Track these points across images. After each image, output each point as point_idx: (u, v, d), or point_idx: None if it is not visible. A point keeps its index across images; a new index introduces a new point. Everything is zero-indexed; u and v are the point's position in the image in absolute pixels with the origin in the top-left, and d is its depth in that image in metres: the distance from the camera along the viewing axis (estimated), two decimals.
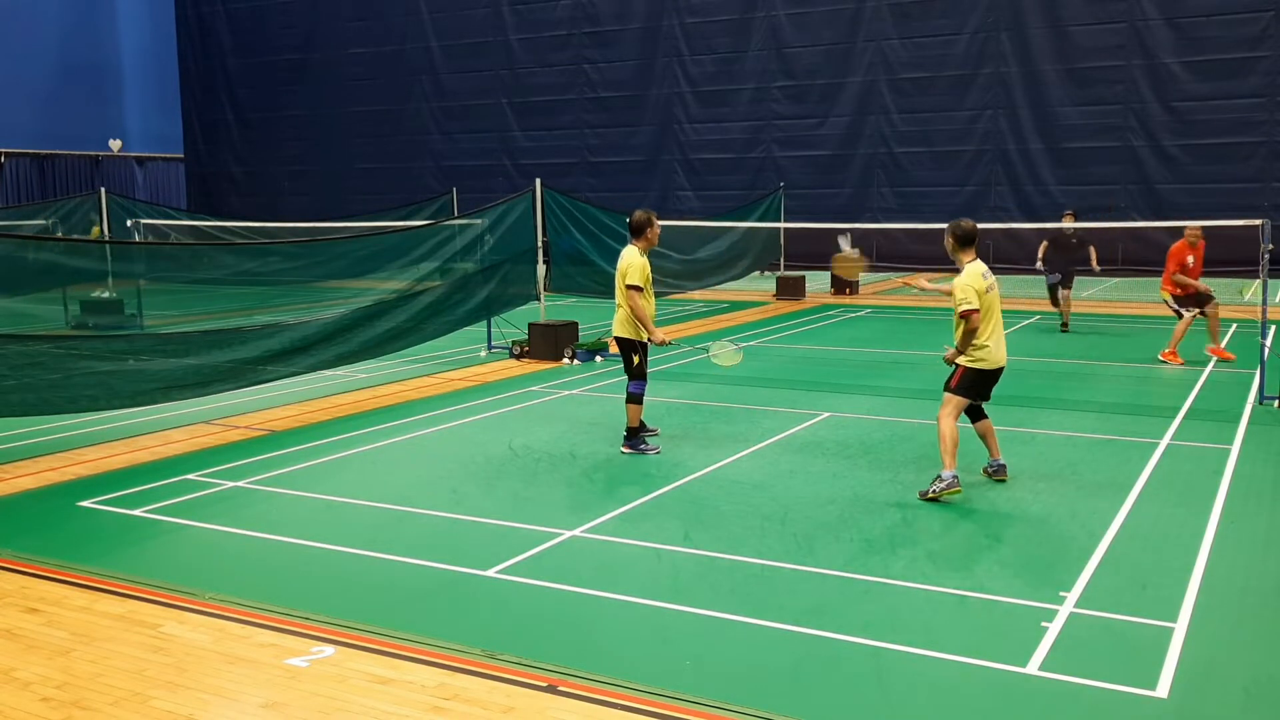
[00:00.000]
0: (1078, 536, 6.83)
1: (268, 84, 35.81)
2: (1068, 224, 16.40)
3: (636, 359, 9.33)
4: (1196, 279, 13.77)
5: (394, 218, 22.17)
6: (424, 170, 33.39)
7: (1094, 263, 16.17)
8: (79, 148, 34.11)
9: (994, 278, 7.99)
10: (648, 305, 9.23)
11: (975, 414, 8.24)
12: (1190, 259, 13.87)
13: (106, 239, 19.32)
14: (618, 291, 9.29)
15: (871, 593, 5.98)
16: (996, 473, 8.23)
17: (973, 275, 7.83)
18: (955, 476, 7.67)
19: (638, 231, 9.35)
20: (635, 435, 9.32)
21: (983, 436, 8.27)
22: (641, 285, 9.13)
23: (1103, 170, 25.79)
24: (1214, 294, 13.83)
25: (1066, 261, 16.41)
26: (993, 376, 8.02)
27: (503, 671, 4.99)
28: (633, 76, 30.84)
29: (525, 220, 14.85)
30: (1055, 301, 16.81)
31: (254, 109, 36.31)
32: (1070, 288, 16.64)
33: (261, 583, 6.24)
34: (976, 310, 7.73)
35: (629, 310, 9.17)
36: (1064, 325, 16.67)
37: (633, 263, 9.18)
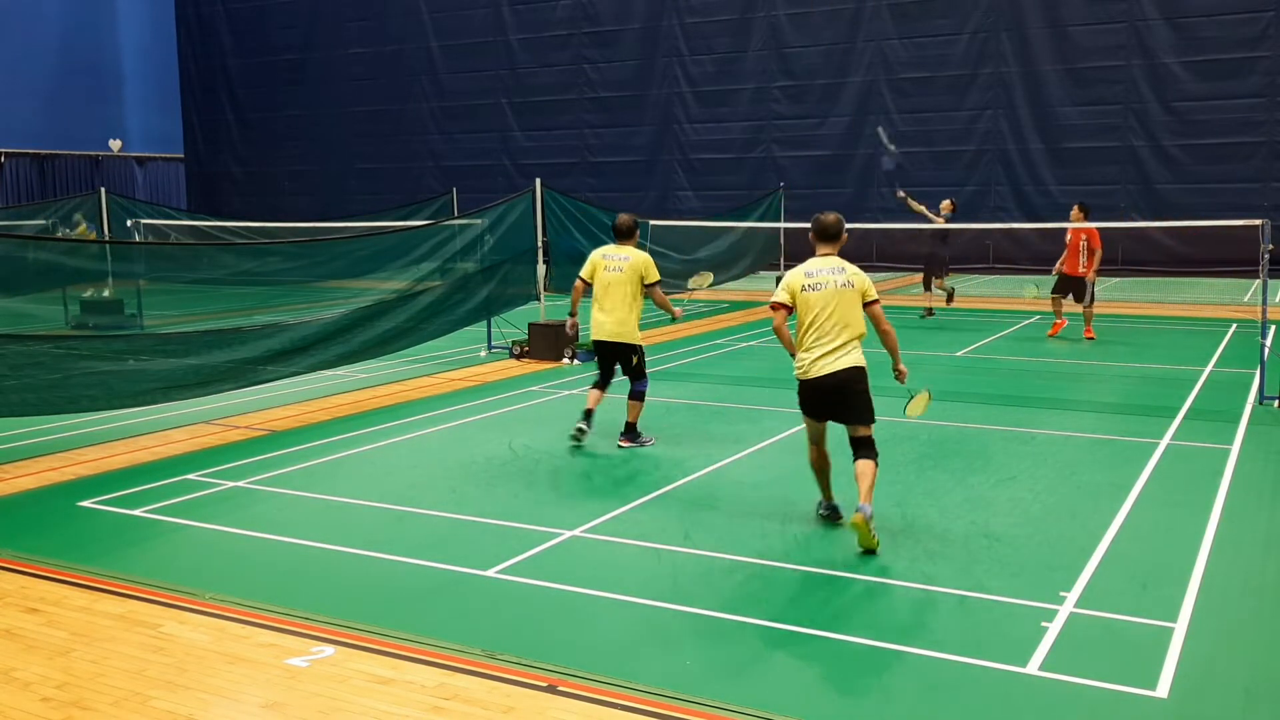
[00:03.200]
0: (1078, 536, 6.83)
1: (268, 84, 35.82)
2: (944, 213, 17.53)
3: (636, 359, 9.44)
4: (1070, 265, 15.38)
5: (394, 218, 22.17)
6: (424, 170, 33.39)
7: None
8: (79, 148, 34.12)
9: (827, 276, 6.89)
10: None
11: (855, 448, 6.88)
12: (1068, 237, 15.38)
13: (95, 238, 19.30)
14: (634, 292, 9.36)
15: (871, 593, 5.98)
16: (829, 515, 7.13)
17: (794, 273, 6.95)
18: (830, 507, 7.08)
19: (629, 234, 9.56)
20: (633, 429, 9.45)
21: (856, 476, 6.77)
22: (661, 279, 9.43)
23: (1103, 170, 25.79)
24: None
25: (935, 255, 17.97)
26: (815, 388, 6.87)
27: (502, 671, 4.99)
28: (633, 76, 30.84)
29: (525, 220, 14.85)
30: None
31: (254, 109, 36.31)
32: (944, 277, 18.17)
33: (261, 583, 6.24)
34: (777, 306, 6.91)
35: (656, 303, 9.47)
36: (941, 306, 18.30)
37: (644, 259, 9.40)
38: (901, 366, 7.16)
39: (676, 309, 9.76)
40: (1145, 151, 25.50)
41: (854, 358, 6.81)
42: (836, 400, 6.84)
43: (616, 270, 9.41)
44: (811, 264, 7.01)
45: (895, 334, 7.01)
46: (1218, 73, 24.54)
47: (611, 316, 9.40)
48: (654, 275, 9.42)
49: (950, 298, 18.10)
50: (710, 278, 11.32)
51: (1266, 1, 24.03)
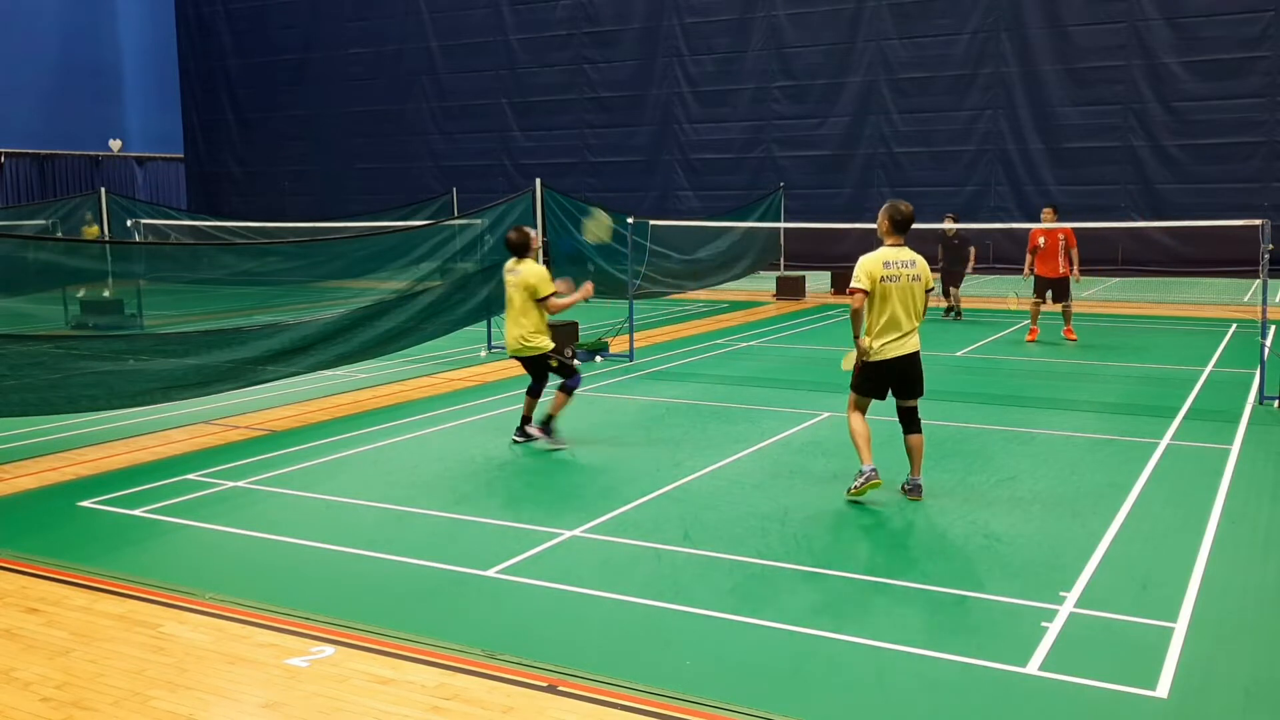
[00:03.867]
0: (1078, 536, 6.82)
1: (268, 84, 35.83)
2: (949, 225, 17.77)
3: (556, 362, 9.45)
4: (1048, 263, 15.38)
5: (394, 218, 22.19)
6: (424, 170, 33.40)
7: (972, 263, 18.26)
8: (79, 148, 34.13)
9: (901, 269, 7.47)
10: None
11: (906, 424, 7.71)
12: (1042, 241, 15.30)
13: (105, 239, 19.31)
14: (521, 306, 9.31)
15: (871, 593, 5.98)
16: (911, 491, 7.67)
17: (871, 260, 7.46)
18: (872, 469, 7.54)
19: (523, 250, 9.44)
20: (547, 427, 9.43)
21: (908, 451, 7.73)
22: (556, 290, 9.34)
23: (1103, 170, 25.80)
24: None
25: (951, 261, 18.01)
26: (884, 369, 7.57)
27: (502, 671, 4.99)
28: (633, 76, 30.85)
29: (525, 220, 14.83)
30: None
31: (254, 109, 36.32)
32: (959, 286, 18.21)
33: (261, 583, 6.24)
34: (863, 292, 7.44)
35: (557, 310, 9.40)
36: (957, 314, 18.29)
37: (535, 273, 9.31)
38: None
39: (575, 294, 9.52)
40: (1145, 151, 25.51)
41: (915, 341, 7.67)
42: (899, 379, 7.68)
43: (511, 285, 9.47)
44: (886, 253, 7.53)
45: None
46: (1218, 73, 24.55)
47: (509, 332, 9.52)
48: (545, 286, 9.28)
49: (957, 314, 18.22)
50: (606, 220, 11.24)
51: (1266, 1, 24.05)
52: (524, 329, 9.38)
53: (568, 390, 9.47)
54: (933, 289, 7.77)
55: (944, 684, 4.84)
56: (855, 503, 7.61)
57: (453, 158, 33.08)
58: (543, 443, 9.39)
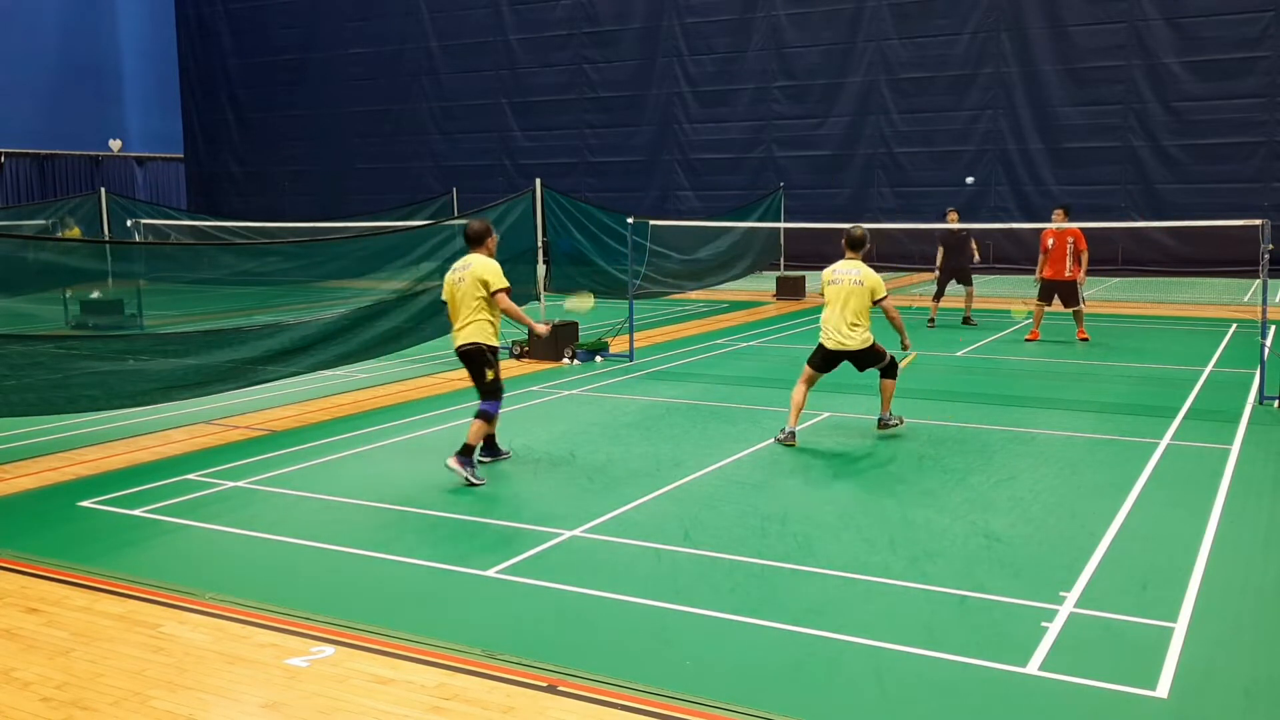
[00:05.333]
0: (1078, 536, 6.83)
1: (268, 84, 35.83)
2: (953, 223, 17.24)
3: (492, 374, 8.49)
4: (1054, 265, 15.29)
5: (394, 218, 22.20)
6: (424, 170, 33.40)
7: (976, 256, 17.66)
8: (79, 148, 34.13)
9: (838, 275, 9.82)
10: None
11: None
12: (1050, 242, 15.17)
13: (80, 234, 19.28)
14: (468, 300, 8.39)
15: (871, 593, 5.98)
16: (788, 439, 9.36)
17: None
18: (790, 432, 9.34)
19: (478, 240, 8.61)
20: (470, 453, 8.33)
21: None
22: (509, 286, 8.52)
23: (1103, 170, 25.80)
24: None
25: (956, 259, 17.31)
26: (826, 353, 9.65)
27: (502, 671, 4.99)
28: (633, 76, 30.85)
29: (525, 220, 14.85)
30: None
31: (254, 109, 36.32)
32: (971, 284, 17.58)
33: (261, 583, 6.24)
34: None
35: (505, 314, 8.51)
36: (967, 319, 17.56)
37: (491, 266, 8.44)
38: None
39: (540, 325, 8.86)
40: (1145, 151, 25.51)
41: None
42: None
43: (460, 281, 8.53)
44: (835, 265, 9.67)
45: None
46: (1218, 73, 24.55)
47: (469, 325, 8.50)
48: (499, 280, 8.39)
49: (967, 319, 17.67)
50: (590, 301, 10.49)
51: (1266, 1, 24.05)
52: (481, 323, 8.46)
53: (486, 416, 8.44)
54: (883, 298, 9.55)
55: (944, 684, 4.84)
56: (856, 502, 7.61)
57: (453, 158, 33.08)
58: (464, 474, 8.25)
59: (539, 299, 15.07)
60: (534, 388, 12.39)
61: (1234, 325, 16.95)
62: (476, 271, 8.43)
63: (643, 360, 14.30)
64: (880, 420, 9.83)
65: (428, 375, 13.44)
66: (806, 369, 9.76)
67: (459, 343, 8.55)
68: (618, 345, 14.78)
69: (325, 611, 5.74)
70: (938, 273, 17.43)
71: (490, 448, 8.94)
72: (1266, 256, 10.87)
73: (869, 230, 10.33)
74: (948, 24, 27.11)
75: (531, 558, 6.56)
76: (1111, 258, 24.81)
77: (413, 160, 33.64)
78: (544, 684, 4.86)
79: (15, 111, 31.90)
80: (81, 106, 33.99)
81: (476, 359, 8.49)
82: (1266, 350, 11.30)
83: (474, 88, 32.72)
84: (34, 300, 14.75)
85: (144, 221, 20.94)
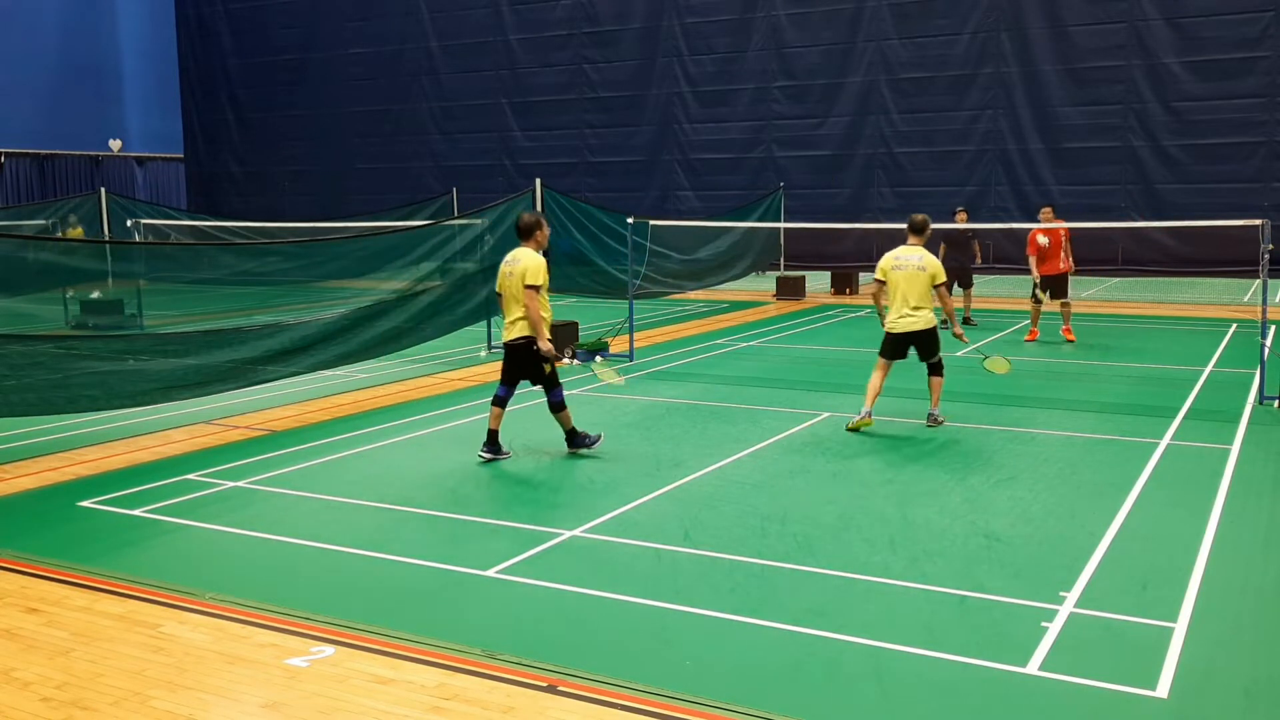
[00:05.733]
0: (1078, 536, 6.83)
1: (268, 84, 35.82)
2: (961, 223, 16.92)
3: (549, 366, 8.92)
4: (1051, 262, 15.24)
5: (394, 218, 22.20)
6: (424, 170, 33.40)
7: (978, 258, 17.57)
8: (79, 148, 34.13)
9: (901, 260, 10.02)
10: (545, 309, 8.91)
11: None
12: (1045, 240, 15.10)
13: (103, 238, 19.29)
14: (519, 296, 8.77)
15: (871, 593, 5.98)
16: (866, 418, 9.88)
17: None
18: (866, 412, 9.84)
19: (528, 233, 8.97)
20: (575, 435, 9.10)
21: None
22: (543, 285, 8.80)
23: (1103, 170, 25.80)
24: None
25: (959, 259, 16.94)
26: (896, 339, 10.02)
27: (502, 671, 5.00)
28: (633, 76, 30.85)
29: None
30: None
31: (254, 109, 36.31)
32: (972, 284, 17.32)
33: (261, 583, 6.24)
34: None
35: (526, 311, 8.79)
36: (967, 320, 17.18)
37: (535, 261, 8.78)
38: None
39: (547, 342, 8.88)
40: (1145, 151, 25.50)
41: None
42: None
43: (510, 275, 8.94)
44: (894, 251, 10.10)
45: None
46: (1218, 73, 24.55)
47: (518, 318, 8.92)
48: (533, 277, 8.71)
49: (967, 320, 17.27)
50: (618, 379, 10.56)
51: (1266, 1, 24.04)
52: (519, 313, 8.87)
53: (562, 404, 9.05)
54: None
55: (944, 684, 4.84)
56: (861, 497, 7.61)
57: (453, 158, 33.07)
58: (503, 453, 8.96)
59: None
60: (534, 387, 12.37)
61: (1234, 325, 16.95)
62: (521, 268, 8.82)
63: (643, 360, 14.30)
64: (930, 415, 10.14)
65: (428, 375, 13.44)
66: (879, 360, 10.13)
67: (509, 336, 9.01)
68: (618, 345, 14.78)
69: (325, 611, 5.74)
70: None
71: (493, 444, 9.01)
72: (1266, 256, 10.87)
73: (870, 230, 10.45)
74: (948, 24, 27.10)
75: (531, 558, 6.56)
76: (1111, 258, 24.81)
77: (413, 160, 33.64)
78: (544, 684, 4.86)
79: (15, 111, 31.90)
80: (81, 106, 33.98)
81: (530, 354, 8.92)
82: (1266, 350, 11.30)
83: (474, 88, 32.72)
84: (34, 300, 14.74)
85: (144, 221, 20.94)
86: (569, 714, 4.60)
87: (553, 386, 9.10)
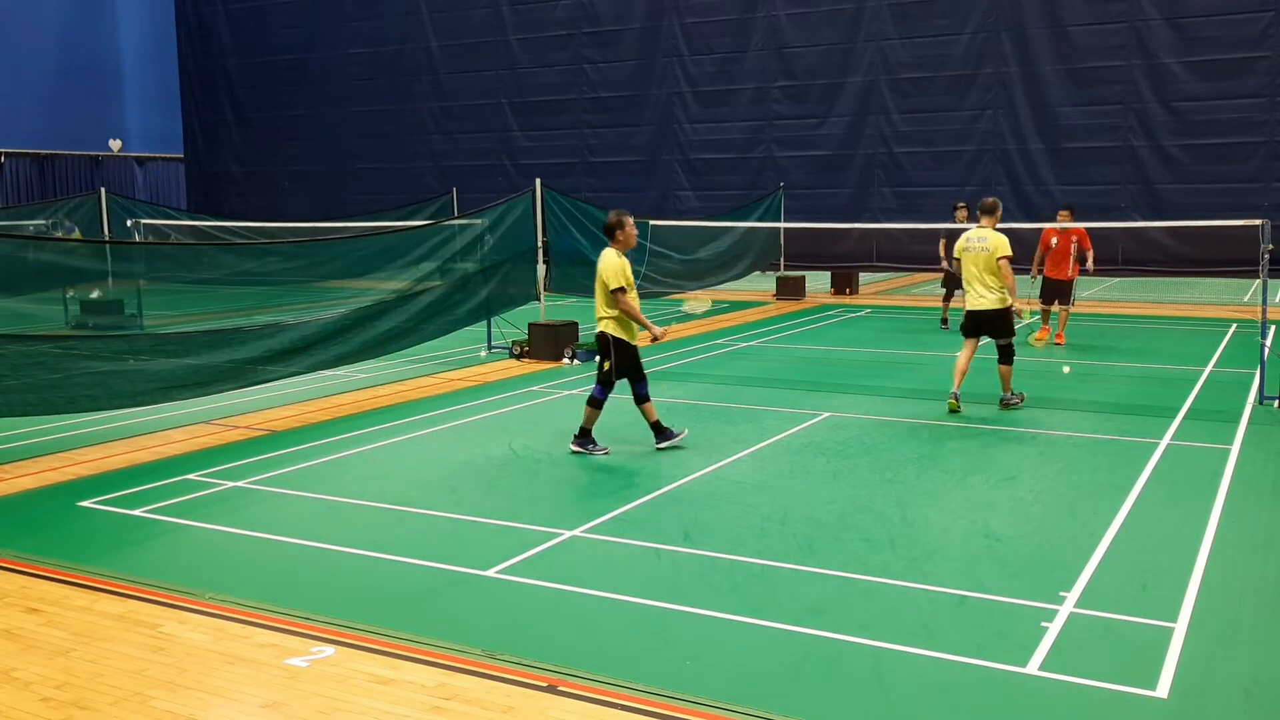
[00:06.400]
0: (1078, 536, 6.83)
1: (268, 84, 35.81)
2: (961, 221, 16.48)
3: (608, 364, 9.21)
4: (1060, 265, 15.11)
5: (394, 218, 22.18)
6: (424, 170, 33.38)
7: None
8: (79, 148, 34.11)
9: (971, 243, 10.78)
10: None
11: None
12: (1054, 241, 14.99)
13: (104, 238, 19.29)
14: (599, 295, 9.22)
15: (871, 593, 5.98)
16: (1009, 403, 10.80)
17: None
18: (954, 394, 10.56)
19: (610, 234, 9.36)
20: (587, 435, 9.28)
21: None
22: (625, 286, 9.10)
23: (1103, 170, 25.78)
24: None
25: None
26: (971, 317, 10.69)
27: (502, 671, 5.00)
28: (633, 76, 30.84)
29: (525, 220, 14.84)
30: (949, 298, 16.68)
31: (254, 109, 36.30)
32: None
33: (261, 583, 6.24)
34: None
35: (623, 312, 9.16)
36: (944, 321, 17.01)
37: (609, 264, 9.11)
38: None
39: (656, 328, 9.35)
40: (1145, 151, 25.49)
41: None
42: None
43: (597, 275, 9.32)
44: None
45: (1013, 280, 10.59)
46: (1218, 73, 24.53)
47: (604, 315, 9.30)
48: (613, 281, 9.07)
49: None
50: (707, 304, 11.02)
51: (1266, 1, 24.03)
52: (606, 312, 9.23)
53: (595, 402, 9.23)
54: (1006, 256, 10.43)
55: (944, 684, 4.84)
56: (873, 493, 7.61)
57: (453, 158, 33.06)
58: (595, 446, 9.19)
59: (539, 299, 15.08)
60: (534, 387, 12.39)
61: (1234, 325, 16.95)
62: (599, 271, 9.19)
63: (643, 360, 14.28)
64: (1002, 400, 10.86)
65: (428, 375, 13.44)
66: (964, 340, 10.88)
67: (598, 329, 9.33)
68: None
69: (325, 611, 5.74)
70: (945, 262, 16.79)
71: (659, 431, 9.29)
72: (1266, 256, 10.87)
73: (870, 230, 10.55)
74: (948, 24, 27.08)
75: (531, 558, 6.56)
76: (1111, 258, 24.76)
77: (413, 160, 33.62)
78: (544, 684, 4.86)
79: (15, 111, 31.88)
80: (81, 106, 33.96)
81: (600, 347, 9.28)
82: (1266, 350, 11.30)
83: (474, 88, 32.70)
84: (34, 300, 14.74)
85: (144, 221, 20.91)
86: (569, 714, 4.59)
87: (600, 383, 9.23)
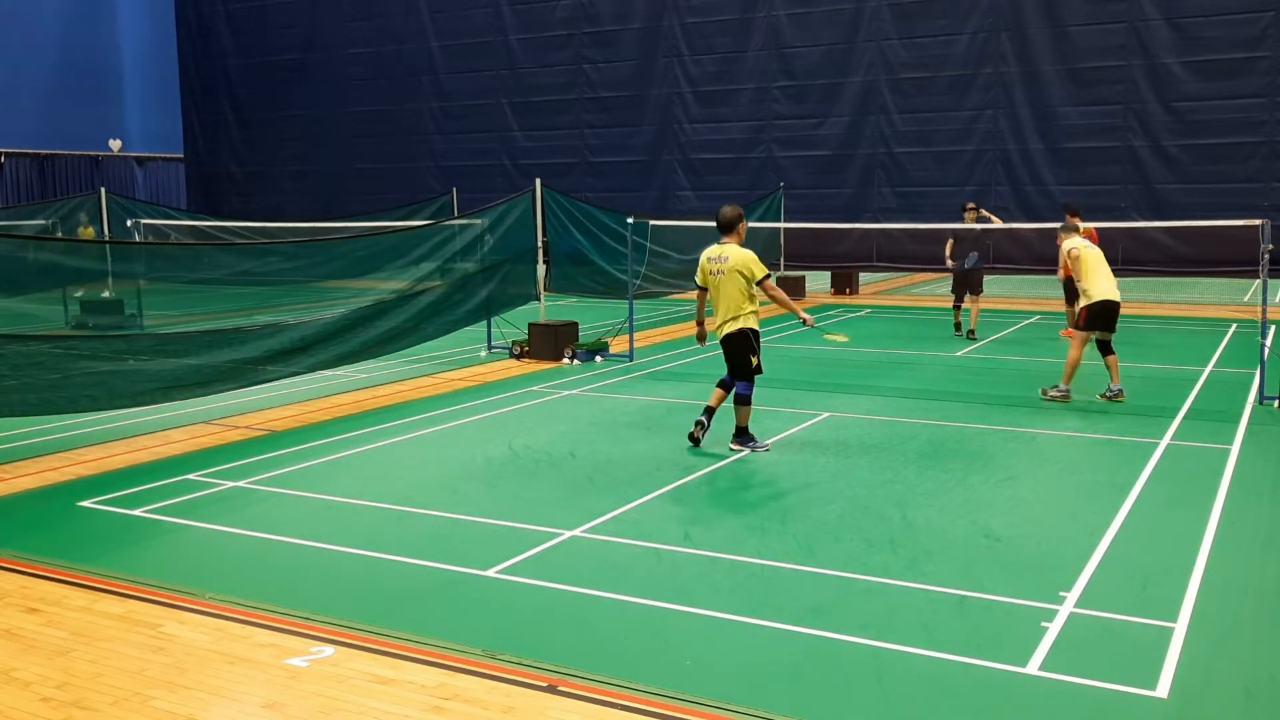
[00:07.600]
0: (1078, 536, 6.83)
1: (268, 84, 35.80)
2: (970, 221, 16.33)
3: (756, 360, 9.26)
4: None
5: (394, 218, 22.19)
6: (424, 170, 33.37)
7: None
8: (79, 148, 34.11)
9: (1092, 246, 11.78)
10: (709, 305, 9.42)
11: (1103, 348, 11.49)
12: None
13: (104, 238, 19.30)
14: (730, 292, 9.08)
15: (871, 593, 5.98)
16: (1114, 396, 11.19)
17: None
18: (1066, 390, 11.16)
19: (729, 228, 9.23)
20: (745, 433, 9.29)
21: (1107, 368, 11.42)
22: (770, 273, 9.18)
23: (1103, 170, 25.78)
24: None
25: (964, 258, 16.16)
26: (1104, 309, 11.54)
27: (503, 671, 4.99)
28: (633, 76, 30.83)
29: (525, 220, 14.84)
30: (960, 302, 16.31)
31: (254, 109, 36.29)
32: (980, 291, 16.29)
33: (261, 583, 6.24)
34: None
35: (772, 300, 9.21)
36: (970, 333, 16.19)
37: (748, 257, 9.05)
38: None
39: (808, 316, 9.62)
40: (1145, 151, 25.48)
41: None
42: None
43: (718, 272, 9.21)
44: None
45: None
46: (1218, 73, 24.53)
47: (738, 314, 9.24)
48: (760, 269, 9.07)
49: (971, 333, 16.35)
50: (846, 339, 11.23)
51: (1266, 1, 24.02)
52: (742, 307, 9.14)
53: (746, 398, 9.23)
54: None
55: (944, 684, 4.84)
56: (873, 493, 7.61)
57: (453, 158, 33.05)
58: (749, 452, 9.15)
59: (539, 299, 15.08)
60: (534, 387, 12.39)
61: (1234, 325, 16.96)
62: (734, 263, 9.04)
63: (643, 360, 14.30)
64: (1108, 389, 11.43)
65: (428, 375, 13.44)
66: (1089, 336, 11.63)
67: (725, 333, 9.23)
68: (618, 345, 14.78)
69: (325, 611, 5.74)
70: (950, 261, 16.48)
71: (743, 435, 9.25)
72: (1266, 256, 10.87)
73: (871, 230, 10.49)
74: (948, 24, 27.08)
75: (531, 558, 6.56)
76: (1112, 258, 24.66)
77: (413, 160, 33.61)
78: (544, 684, 4.86)
79: (15, 111, 31.88)
80: (81, 106, 33.96)
81: (742, 345, 9.16)
82: (1266, 350, 11.31)
83: (474, 88, 32.69)
84: (34, 300, 14.73)
85: (144, 221, 20.92)
86: (569, 714, 4.59)
87: (746, 379, 9.24)
